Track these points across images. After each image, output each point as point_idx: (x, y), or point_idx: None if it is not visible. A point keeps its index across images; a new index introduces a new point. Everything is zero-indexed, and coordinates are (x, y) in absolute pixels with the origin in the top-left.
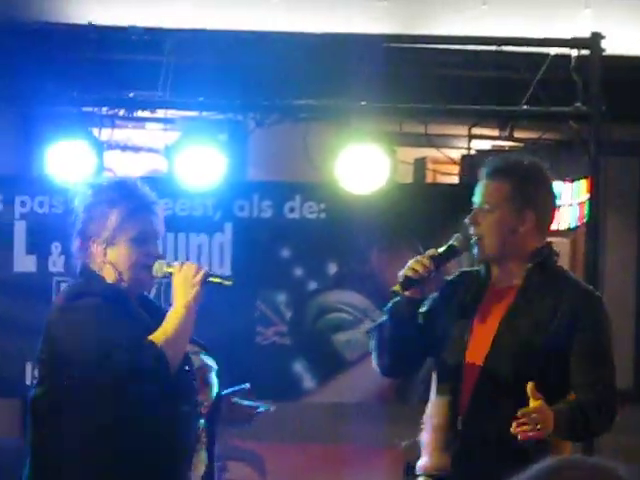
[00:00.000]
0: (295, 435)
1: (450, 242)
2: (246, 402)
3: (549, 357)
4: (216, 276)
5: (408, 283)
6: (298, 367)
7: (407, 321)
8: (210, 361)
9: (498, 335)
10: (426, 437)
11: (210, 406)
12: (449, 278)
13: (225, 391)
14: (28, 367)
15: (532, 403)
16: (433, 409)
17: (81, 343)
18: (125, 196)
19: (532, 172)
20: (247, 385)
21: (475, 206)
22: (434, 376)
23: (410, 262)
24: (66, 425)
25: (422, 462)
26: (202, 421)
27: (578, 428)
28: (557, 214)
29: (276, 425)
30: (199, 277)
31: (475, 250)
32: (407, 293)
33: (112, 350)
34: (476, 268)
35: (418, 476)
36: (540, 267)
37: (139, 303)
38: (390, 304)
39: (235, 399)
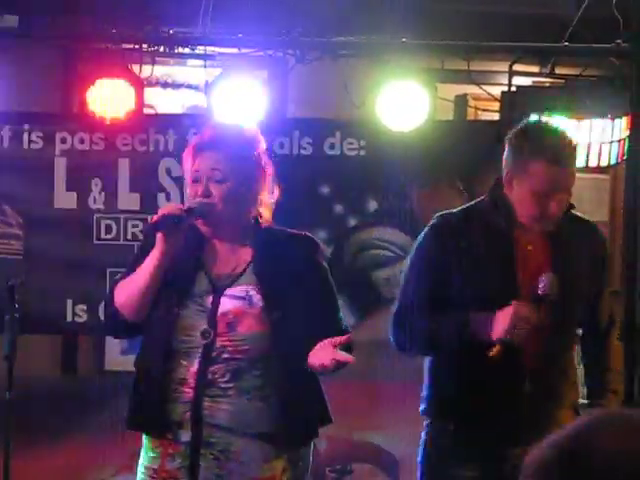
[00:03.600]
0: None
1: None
2: None
3: None
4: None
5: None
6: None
7: None
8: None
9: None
10: None
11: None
12: (433, 223)
13: None
14: (69, 304)
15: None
16: None
17: None
18: None
19: None
20: None
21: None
22: None
23: (509, 324)
24: None
25: None
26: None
27: None
28: (598, 151)
29: None
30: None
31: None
32: None
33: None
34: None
35: None
36: (566, 215)
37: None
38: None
39: None
